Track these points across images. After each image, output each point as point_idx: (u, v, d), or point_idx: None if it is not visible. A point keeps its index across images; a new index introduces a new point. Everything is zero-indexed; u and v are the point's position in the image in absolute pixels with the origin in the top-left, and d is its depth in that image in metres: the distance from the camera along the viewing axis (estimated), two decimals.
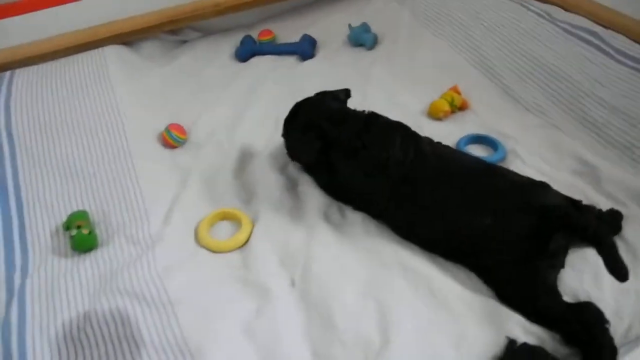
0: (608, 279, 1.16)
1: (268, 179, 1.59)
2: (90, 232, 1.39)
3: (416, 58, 2.07)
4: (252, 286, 1.30)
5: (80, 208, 1.50)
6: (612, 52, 1.82)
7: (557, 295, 1.21)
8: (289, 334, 1.20)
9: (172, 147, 1.73)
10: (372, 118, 1.50)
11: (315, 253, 1.36)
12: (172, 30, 2.21)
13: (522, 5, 2.09)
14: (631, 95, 1.68)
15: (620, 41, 1.84)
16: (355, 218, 1.46)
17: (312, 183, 1.56)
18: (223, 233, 1.47)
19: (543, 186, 1.33)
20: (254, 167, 1.64)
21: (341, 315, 1.21)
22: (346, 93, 1.61)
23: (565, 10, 2.05)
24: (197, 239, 1.44)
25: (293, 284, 1.31)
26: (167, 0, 2.13)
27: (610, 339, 1.14)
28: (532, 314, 1.20)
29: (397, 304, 1.23)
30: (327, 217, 1.47)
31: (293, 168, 1.63)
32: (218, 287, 1.30)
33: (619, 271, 1.14)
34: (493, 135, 1.70)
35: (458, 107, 1.81)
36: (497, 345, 1.15)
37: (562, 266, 1.27)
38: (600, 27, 1.91)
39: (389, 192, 1.39)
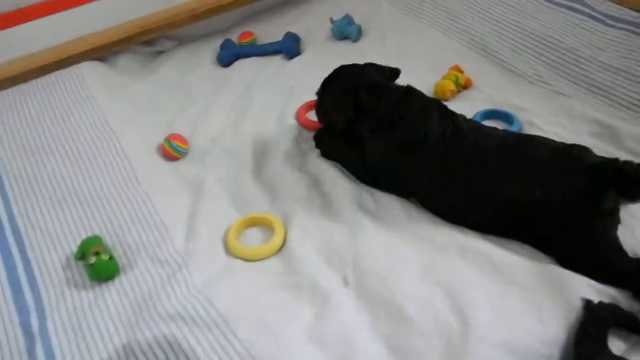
0: None
1: (289, 178, 1.50)
2: (110, 258, 1.25)
3: (406, 45, 2.02)
4: (303, 291, 1.21)
5: (90, 234, 1.35)
6: (602, 17, 1.84)
7: (623, 252, 1.18)
8: (359, 334, 1.11)
9: (175, 158, 1.61)
10: (411, 92, 1.44)
11: (361, 246, 1.28)
12: (146, 42, 2.07)
13: None
14: (632, 56, 1.70)
15: (607, 6, 1.86)
16: (392, 202, 1.39)
17: (335, 176, 1.48)
18: (254, 240, 1.36)
19: (582, 148, 1.30)
20: (271, 168, 1.54)
21: (411, 306, 1.13)
22: (392, 71, 1.54)
23: None
24: (229, 249, 1.32)
25: (346, 283, 1.22)
26: (140, 9, 2.00)
27: None
28: (601, 274, 1.16)
29: (464, 286, 1.16)
30: (362, 207, 1.39)
31: (312, 164, 1.54)
32: (268, 296, 1.19)
33: None
34: (505, 109, 1.67)
35: (463, 86, 1.78)
36: (575, 310, 1.11)
37: (619, 222, 1.23)
38: None
39: (427, 170, 1.32)
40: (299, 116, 1.71)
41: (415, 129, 1.34)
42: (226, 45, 2.07)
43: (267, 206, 1.44)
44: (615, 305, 1.11)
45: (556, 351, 1.05)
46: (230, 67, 2.03)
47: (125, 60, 2.02)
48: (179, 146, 1.60)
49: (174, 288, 1.19)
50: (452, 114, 1.40)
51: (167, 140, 1.60)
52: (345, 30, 2.12)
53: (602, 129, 1.57)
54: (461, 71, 1.80)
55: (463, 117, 1.40)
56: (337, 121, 1.47)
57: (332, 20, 2.14)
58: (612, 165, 1.23)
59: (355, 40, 2.11)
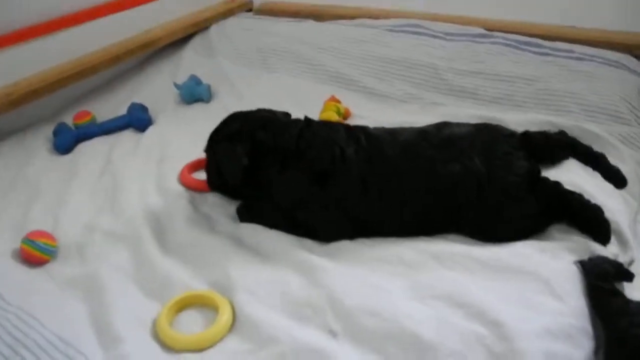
0: None
1: (206, 243, 1.24)
2: None
3: (267, 95, 1.88)
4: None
5: None
6: (441, 35, 1.98)
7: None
8: None
9: (41, 261, 1.23)
10: (312, 121, 1.31)
11: (330, 288, 1.06)
12: None
13: (339, 24, 2.15)
14: (479, 60, 1.84)
15: (443, 27, 2.01)
16: None
17: (259, 227, 1.26)
18: (193, 325, 1.06)
19: (494, 124, 1.31)
20: (179, 238, 1.27)
21: (424, 329, 0.94)
22: (285, 114, 1.37)
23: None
24: (169, 344, 1.01)
25: (334, 334, 0.99)
26: None
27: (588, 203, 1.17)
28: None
29: (464, 291, 1.02)
30: (306, 248, 1.19)
31: (224, 223, 1.30)
32: None
33: (619, 178, 1.21)
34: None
35: (344, 116, 1.71)
36: (575, 275, 1.06)
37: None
38: (417, 20, 2.06)
39: (356, 189, 1.19)
40: (183, 179, 1.46)
41: (329, 151, 1.21)
42: (61, 129, 1.73)
43: (192, 281, 1.14)
44: (602, 257, 1.10)
45: (584, 319, 0.98)
46: (73, 153, 1.69)
47: None
48: (45, 244, 1.22)
49: None
50: (358, 127, 1.31)
51: (27, 240, 1.22)
52: (195, 92, 1.94)
53: (488, 120, 1.60)
54: (338, 101, 1.74)
55: (368, 128, 1.31)
56: (231, 172, 1.27)
57: (176, 85, 1.94)
58: (540, 134, 1.26)
59: (208, 100, 1.94)
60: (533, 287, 1.02)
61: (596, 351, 0.95)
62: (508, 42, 1.88)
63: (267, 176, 1.26)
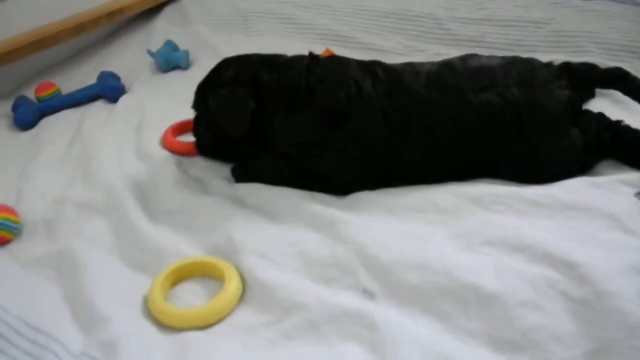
0: None
1: (200, 204, 1.06)
2: None
3: None
4: (323, 331, 0.77)
5: None
6: None
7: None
8: (451, 349, 0.71)
9: (5, 240, 1.02)
10: (315, 57, 1.12)
11: (357, 242, 0.89)
12: None
13: None
14: (486, 6, 1.69)
15: None
16: None
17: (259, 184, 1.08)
18: (194, 299, 0.87)
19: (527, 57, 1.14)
20: (168, 201, 1.08)
21: (487, 280, 0.78)
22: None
23: None
24: (167, 321, 0.82)
25: (371, 294, 0.81)
26: None
27: None
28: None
29: (520, 233, 0.86)
30: (320, 201, 1.01)
31: (217, 184, 1.11)
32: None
33: None
34: None
35: None
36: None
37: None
38: None
39: (379, 126, 1.02)
40: (167, 142, 1.27)
41: (343, 86, 1.03)
42: (21, 102, 1.51)
43: (187, 249, 0.95)
44: None
45: None
46: (36, 127, 1.48)
47: None
48: (6, 220, 1.02)
49: None
50: (372, 61, 1.14)
51: None
52: (172, 58, 1.73)
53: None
54: (333, 53, 1.56)
55: (383, 62, 1.14)
56: (236, 121, 1.08)
57: (151, 53, 1.74)
58: (583, 65, 1.10)
59: (186, 67, 1.74)
60: (599, 224, 0.86)
61: None
62: None
63: (272, 124, 1.08)
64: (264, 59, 1.14)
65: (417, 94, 1.02)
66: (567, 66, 1.09)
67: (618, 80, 1.07)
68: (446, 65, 1.08)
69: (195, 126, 1.21)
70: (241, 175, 1.12)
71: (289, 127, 1.06)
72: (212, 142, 1.17)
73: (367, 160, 1.03)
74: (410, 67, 1.09)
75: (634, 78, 1.07)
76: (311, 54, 1.14)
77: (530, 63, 1.09)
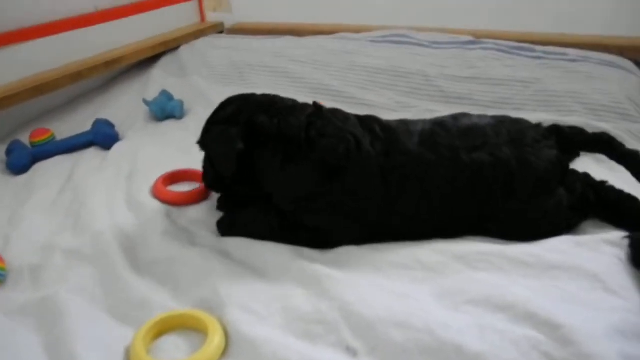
0: None
1: (187, 257, 1.05)
2: None
3: None
4: None
5: None
6: (427, 44, 1.89)
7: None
8: None
9: None
10: (319, 107, 1.14)
11: (342, 299, 0.88)
12: None
13: (318, 38, 2.05)
14: (472, 65, 1.76)
15: (428, 36, 1.92)
16: None
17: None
18: (176, 353, 0.85)
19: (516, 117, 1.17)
20: (154, 252, 1.07)
21: (469, 339, 0.77)
22: (291, 101, 1.20)
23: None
24: None
25: (354, 352, 0.81)
26: None
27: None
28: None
29: (502, 292, 0.86)
30: (307, 257, 1.02)
31: (205, 236, 1.12)
32: None
33: None
34: None
35: None
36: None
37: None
38: (402, 30, 1.98)
39: (376, 183, 1.03)
40: (158, 191, 1.28)
41: (344, 142, 1.05)
42: (15, 147, 1.53)
43: (172, 302, 0.95)
44: None
45: None
46: (29, 172, 1.48)
47: None
48: None
49: None
50: (369, 116, 1.16)
51: None
52: (167, 108, 1.77)
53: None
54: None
55: (379, 118, 1.16)
56: (223, 161, 1.09)
57: (146, 102, 1.77)
58: (574, 129, 1.13)
59: (181, 116, 1.78)
60: (582, 283, 0.87)
61: None
62: (499, 48, 1.81)
63: (267, 169, 1.08)
64: (266, 102, 1.14)
65: (413, 154, 1.04)
66: (556, 129, 1.12)
67: (604, 145, 1.10)
68: (439, 125, 1.11)
69: (204, 161, 1.21)
70: (227, 228, 1.12)
71: (284, 178, 1.07)
72: (216, 176, 1.17)
73: (361, 215, 1.04)
74: (405, 125, 1.12)
75: (619, 144, 1.10)
76: (315, 104, 1.15)
77: (520, 123, 1.13)
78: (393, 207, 1.03)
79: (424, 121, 1.14)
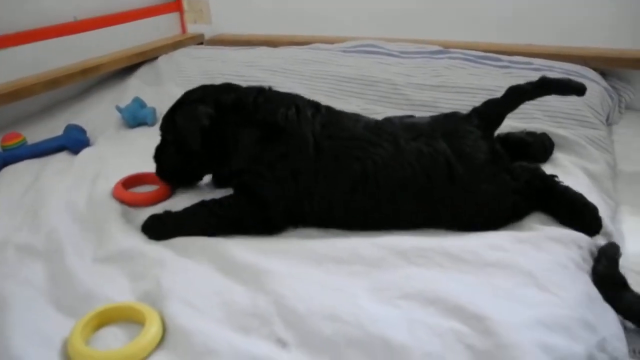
0: None
1: (133, 254, 1.07)
2: None
3: None
4: None
5: None
6: (397, 53, 1.92)
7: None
8: None
9: None
10: (271, 87, 1.27)
11: (278, 293, 0.90)
12: None
13: (291, 48, 2.09)
14: (437, 74, 1.79)
15: (398, 45, 1.96)
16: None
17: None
18: (114, 342, 0.87)
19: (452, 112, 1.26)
20: (103, 250, 1.09)
21: (396, 332, 0.79)
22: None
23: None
24: None
25: (284, 344, 0.82)
26: None
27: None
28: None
29: (435, 286, 0.88)
30: (249, 247, 1.05)
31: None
32: None
33: (575, 86, 1.18)
34: None
35: None
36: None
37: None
38: (372, 40, 2.01)
39: (307, 148, 1.11)
40: (117, 192, 1.30)
41: (285, 107, 1.16)
42: None
43: (117, 295, 0.96)
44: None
45: (584, 311, 0.84)
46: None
47: None
48: None
49: None
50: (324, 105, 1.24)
51: None
52: (139, 115, 1.80)
53: None
54: None
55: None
56: (192, 135, 1.18)
57: (119, 108, 1.80)
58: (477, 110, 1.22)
59: (152, 123, 1.80)
60: (515, 280, 0.89)
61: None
62: (466, 57, 1.84)
63: (230, 139, 1.18)
64: (228, 86, 1.28)
65: (351, 131, 1.12)
66: (475, 111, 1.19)
67: (519, 93, 1.20)
68: (385, 119, 1.20)
69: (157, 151, 1.29)
70: (158, 229, 1.13)
71: (234, 141, 1.16)
72: (173, 163, 1.26)
73: (292, 180, 1.09)
74: (355, 115, 1.21)
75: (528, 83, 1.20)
76: (269, 87, 1.26)
77: (454, 115, 1.20)
78: (325, 179, 1.08)
79: (374, 118, 1.22)
